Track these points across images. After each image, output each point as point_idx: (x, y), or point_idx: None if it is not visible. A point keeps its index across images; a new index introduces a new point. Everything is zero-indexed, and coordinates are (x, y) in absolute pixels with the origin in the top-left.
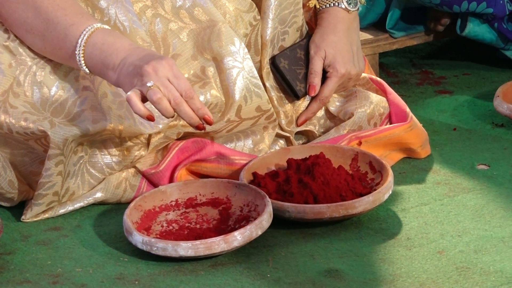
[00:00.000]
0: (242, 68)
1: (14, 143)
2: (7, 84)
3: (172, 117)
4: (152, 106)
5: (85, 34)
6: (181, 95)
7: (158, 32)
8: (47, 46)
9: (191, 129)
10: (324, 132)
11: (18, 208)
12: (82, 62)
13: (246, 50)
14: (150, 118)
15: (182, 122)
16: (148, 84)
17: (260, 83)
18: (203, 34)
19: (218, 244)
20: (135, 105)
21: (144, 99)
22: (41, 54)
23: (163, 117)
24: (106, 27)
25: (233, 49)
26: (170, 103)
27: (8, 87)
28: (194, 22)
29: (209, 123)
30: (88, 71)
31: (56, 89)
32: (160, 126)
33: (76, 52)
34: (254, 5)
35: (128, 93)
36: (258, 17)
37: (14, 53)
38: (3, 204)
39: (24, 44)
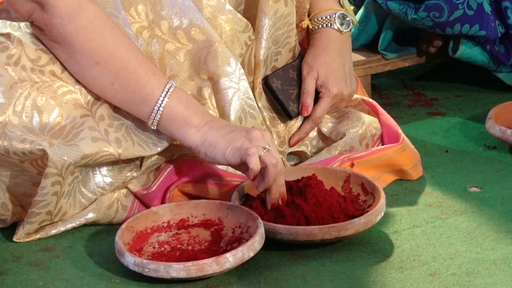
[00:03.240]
0: (238, 89)
1: (8, 165)
2: (5, 108)
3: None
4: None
5: (171, 86)
6: None
7: (155, 53)
8: (117, 84)
9: (184, 151)
10: (316, 153)
11: (10, 229)
12: (161, 111)
13: (242, 70)
14: (255, 178)
15: (176, 142)
16: (267, 147)
17: (255, 104)
18: (200, 54)
19: (210, 266)
20: (256, 162)
21: None
22: (99, 88)
23: (162, 141)
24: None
25: (229, 69)
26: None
27: (7, 110)
28: (191, 42)
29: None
30: (156, 122)
31: (55, 115)
32: (159, 149)
33: (158, 99)
34: (250, 25)
35: (254, 148)
36: (253, 37)
37: (14, 77)
38: None
39: (25, 68)
